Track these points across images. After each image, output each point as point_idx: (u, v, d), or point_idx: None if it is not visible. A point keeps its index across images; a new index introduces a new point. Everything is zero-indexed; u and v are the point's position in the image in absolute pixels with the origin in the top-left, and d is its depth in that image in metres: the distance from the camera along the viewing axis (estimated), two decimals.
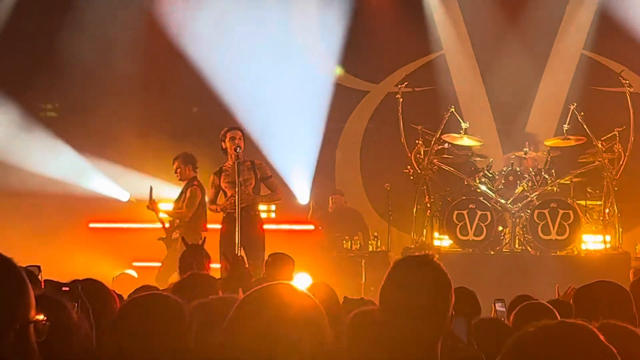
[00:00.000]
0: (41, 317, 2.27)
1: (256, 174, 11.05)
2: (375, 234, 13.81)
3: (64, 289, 3.11)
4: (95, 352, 3.06)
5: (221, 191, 11.15)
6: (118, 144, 15.08)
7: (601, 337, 2.17)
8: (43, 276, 5.30)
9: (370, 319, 3.54)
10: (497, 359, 2.22)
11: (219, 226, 11.21)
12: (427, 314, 3.07)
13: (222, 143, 11.00)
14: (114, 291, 4.78)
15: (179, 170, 12.38)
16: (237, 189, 10.59)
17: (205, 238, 7.41)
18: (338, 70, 15.80)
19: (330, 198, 14.87)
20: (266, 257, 8.70)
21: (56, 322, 2.76)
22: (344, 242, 13.84)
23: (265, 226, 11.50)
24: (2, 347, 2.17)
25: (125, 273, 13.21)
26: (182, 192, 12.42)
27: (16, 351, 2.18)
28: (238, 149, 10.77)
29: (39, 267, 5.12)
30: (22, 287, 2.27)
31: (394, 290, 3.12)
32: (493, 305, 5.70)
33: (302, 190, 15.47)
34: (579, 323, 2.21)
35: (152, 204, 12.31)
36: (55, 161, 15.07)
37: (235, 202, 10.63)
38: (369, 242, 13.77)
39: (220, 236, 10.85)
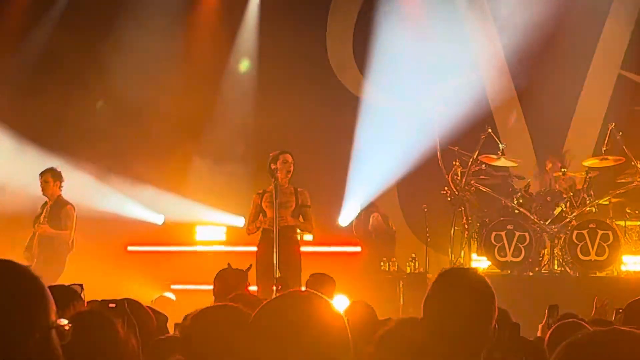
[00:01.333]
0: (64, 322, 2.29)
1: (297, 200, 11.06)
2: (413, 255, 13.75)
3: (110, 305, 3.14)
4: None
5: (261, 213, 11.17)
6: (160, 167, 15.20)
7: None
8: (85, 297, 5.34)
9: (398, 334, 3.53)
10: None
11: (253, 248, 11.21)
12: (471, 323, 3.10)
13: (272, 164, 10.95)
14: (150, 308, 4.83)
15: (47, 184, 12.34)
16: (274, 210, 10.61)
17: (251, 265, 7.41)
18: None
19: (371, 215, 14.82)
20: (306, 278, 8.71)
21: (103, 337, 2.79)
22: (382, 263, 13.81)
23: (303, 248, 11.50)
24: (24, 353, 2.20)
25: (163, 296, 13.25)
26: (52, 210, 12.36)
27: (39, 356, 2.21)
28: (277, 171, 10.78)
29: (81, 285, 5.16)
30: (40, 293, 2.30)
31: (439, 299, 3.16)
32: (546, 312, 5.68)
33: (345, 212, 15.48)
34: (630, 330, 2.20)
35: (39, 222, 12.26)
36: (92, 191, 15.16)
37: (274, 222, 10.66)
38: (407, 263, 13.73)
39: (257, 257, 10.84)
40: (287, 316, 2.47)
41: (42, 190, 12.43)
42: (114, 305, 3.15)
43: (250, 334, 2.48)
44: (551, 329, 5.07)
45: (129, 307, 3.38)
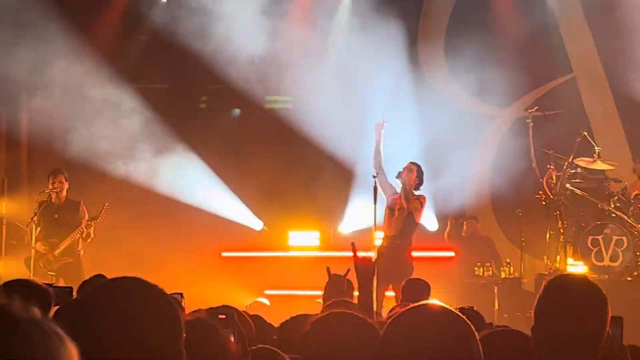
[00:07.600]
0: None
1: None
2: (508, 260, 13.60)
3: (220, 316, 3.15)
4: None
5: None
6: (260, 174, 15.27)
7: None
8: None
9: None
10: None
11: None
12: (584, 326, 3.09)
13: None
14: (246, 313, 4.86)
15: (62, 185, 11.87)
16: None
17: (349, 270, 7.36)
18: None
19: (464, 222, 14.69)
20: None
21: (212, 349, 2.80)
22: (476, 268, 13.68)
23: None
24: None
25: (257, 301, 13.34)
26: (66, 209, 11.91)
27: None
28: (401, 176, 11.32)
29: (181, 294, 5.24)
30: (175, 317, 2.25)
31: (552, 302, 3.14)
32: None
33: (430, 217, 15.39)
34: None
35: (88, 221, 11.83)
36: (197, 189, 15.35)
37: None
38: (502, 268, 13.58)
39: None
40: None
41: (58, 191, 11.87)
42: (224, 316, 3.15)
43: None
44: None
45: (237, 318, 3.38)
